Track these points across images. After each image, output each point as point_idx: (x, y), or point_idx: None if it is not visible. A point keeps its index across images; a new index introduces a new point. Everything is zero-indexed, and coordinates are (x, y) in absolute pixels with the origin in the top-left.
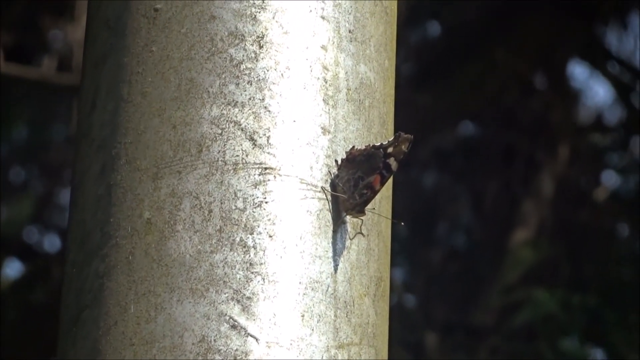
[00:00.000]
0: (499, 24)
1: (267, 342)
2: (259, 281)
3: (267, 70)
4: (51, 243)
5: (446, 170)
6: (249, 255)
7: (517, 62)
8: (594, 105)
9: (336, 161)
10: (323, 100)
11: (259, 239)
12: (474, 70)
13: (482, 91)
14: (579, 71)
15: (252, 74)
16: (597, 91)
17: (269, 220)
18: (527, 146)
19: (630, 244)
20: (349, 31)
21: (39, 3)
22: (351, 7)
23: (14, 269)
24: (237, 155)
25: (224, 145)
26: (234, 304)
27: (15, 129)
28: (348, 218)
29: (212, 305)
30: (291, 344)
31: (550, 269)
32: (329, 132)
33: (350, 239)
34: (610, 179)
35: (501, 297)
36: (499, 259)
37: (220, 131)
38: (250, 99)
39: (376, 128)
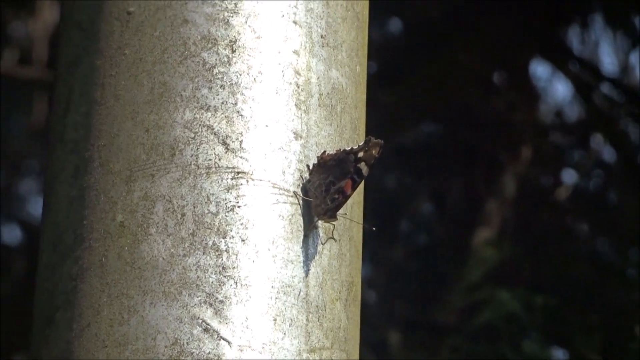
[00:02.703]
0: (462, 22)
1: (239, 346)
2: (231, 285)
3: (240, 75)
4: (10, 234)
5: (408, 169)
6: (222, 259)
7: (479, 61)
8: (554, 103)
9: (308, 166)
10: (295, 105)
11: (232, 242)
12: (436, 69)
13: (444, 90)
14: (540, 70)
15: (225, 78)
16: (556, 89)
17: (242, 224)
18: (489, 146)
19: (590, 244)
20: (321, 36)
21: None
22: (323, 12)
23: None
24: (210, 159)
25: (197, 149)
26: (207, 308)
27: None
28: (320, 223)
29: (184, 308)
30: (263, 348)
31: (513, 268)
32: (301, 137)
33: (322, 244)
34: (570, 178)
35: (463, 296)
36: (461, 258)
37: (193, 135)
38: (223, 103)
39: (348, 133)
